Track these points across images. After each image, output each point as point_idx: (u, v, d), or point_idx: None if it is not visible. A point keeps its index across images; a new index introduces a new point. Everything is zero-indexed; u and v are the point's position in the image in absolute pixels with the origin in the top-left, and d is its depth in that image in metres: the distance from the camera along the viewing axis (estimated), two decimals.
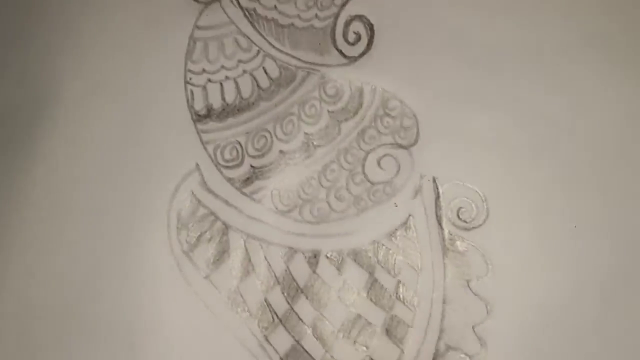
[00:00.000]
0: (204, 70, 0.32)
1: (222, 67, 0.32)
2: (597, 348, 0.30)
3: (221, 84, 0.32)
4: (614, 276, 0.31)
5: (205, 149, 0.32)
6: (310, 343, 0.30)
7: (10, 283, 0.30)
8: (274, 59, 0.32)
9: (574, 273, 0.31)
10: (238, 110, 0.32)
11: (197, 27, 0.32)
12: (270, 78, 0.32)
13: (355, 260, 0.31)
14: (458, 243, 0.32)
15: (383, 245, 0.32)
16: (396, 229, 0.32)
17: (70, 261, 0.31)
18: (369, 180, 0.32)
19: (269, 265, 0.31)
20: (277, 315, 0.31)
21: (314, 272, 0.31)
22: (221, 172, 0.32)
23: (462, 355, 0.30)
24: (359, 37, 0.31)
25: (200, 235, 0.31)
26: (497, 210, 0.32)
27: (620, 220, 0.31)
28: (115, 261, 0.31)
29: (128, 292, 0.30)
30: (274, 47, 0.32)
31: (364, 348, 0.30)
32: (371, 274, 0.31)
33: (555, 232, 0.32)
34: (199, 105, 0.32)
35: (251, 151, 0.32)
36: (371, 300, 0.31)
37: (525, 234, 0.32)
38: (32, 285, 0.30)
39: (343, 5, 0.32)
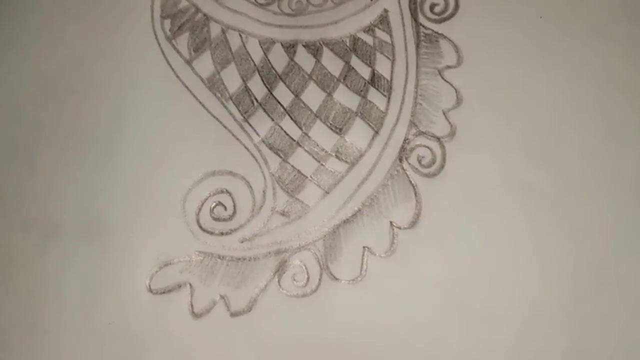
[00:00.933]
0: None
1: None
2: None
3: None
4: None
5: None
6: (288, 125, 0.32)
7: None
8: None
9: (541, 66, 0.33)
10: None
11: None
12: None
13: (332, 50, 0.33)
14: (431, 34, 0.33)
15: (359, 37, 0.33)
16: (372, 22, 0.33)
17: (62, 47, 0.32)
18: None
19: (248, 54, 0.33)
20: (256, 100, 0.32)
21: (292, 59, 0.33)
22: None
23: (431, 137, 0.32)
24: None
25: (182, 25, 0.33)
26: (468, 4, 0.33)
27: None
28: (102, 47, 0.32)
29: (114, 75, 0.32)
30: None
31: (339, 130, 0.32)
32: (347, 62, 0.33)
33: (523, 24, 0.33)
34: None
35: None
36: (347, 86, 0.32)
37: (496, 26, 0.33)
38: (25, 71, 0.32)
39: None
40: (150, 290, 0.30)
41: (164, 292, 0.30)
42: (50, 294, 0.30)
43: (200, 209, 0.31)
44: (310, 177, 0.31)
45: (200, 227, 0.31)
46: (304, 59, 0.33)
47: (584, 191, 0.31)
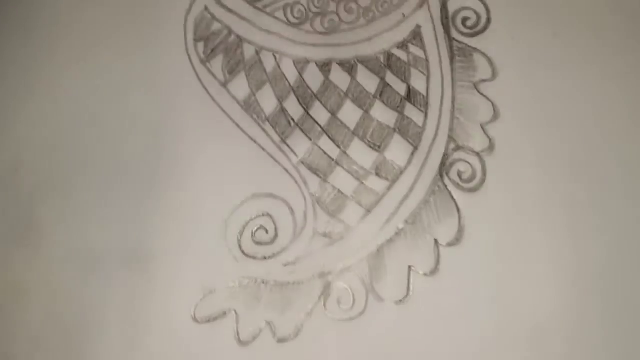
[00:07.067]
0: None
1: None
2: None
3: None
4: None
5: None
6: (326, 144, 0.32)
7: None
8: None
9: (577, 75, 0.33)
10: None
11: None
12: None
13: (367, 67, 0.33)
14: (464, 48, 0.33)
15: (393, 53, 0.33)
16: (405, 38, 0.33)
17: (97, 75, 0.32)
18: None
19: (283, 74, 0.32)
20: (293, 120, 0.32)
21: (327, 78, 0.32)
22: None
23: (470, 152, 0.31)
24: None
25: (215, 47, 0.32)
26: (499, 17, 0.33)
27: None
28: (137, 73, 0.32)
29: (150, 100, 0.32)
30: None
31: (378, 147, 0.32)
32: (382, 79, 0.32)
33: (556, 34, 0.33)
34: None
35: None
36: (383, 103, 0.32)
37: (528, 38, 0.33)
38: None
39: None
40: (195, 319, 0.29)
41: (209, 321, 0.29)
42: (93, 326, 0.29)
43: (242, 234, 0.30)
44: (351, 196, 0.31)
45: (243, 252, 0.30)
46: (339, 77, 0.32)
47: (627, 203, 0.31)
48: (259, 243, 0.30)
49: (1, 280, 0.30)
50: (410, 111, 0.32)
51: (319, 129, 0.32)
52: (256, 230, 0.30)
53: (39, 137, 0.31)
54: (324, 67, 0.32)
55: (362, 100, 0.32)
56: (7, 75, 0.32)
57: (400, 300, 0.30)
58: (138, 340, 0.29)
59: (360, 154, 0.31)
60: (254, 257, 0.30)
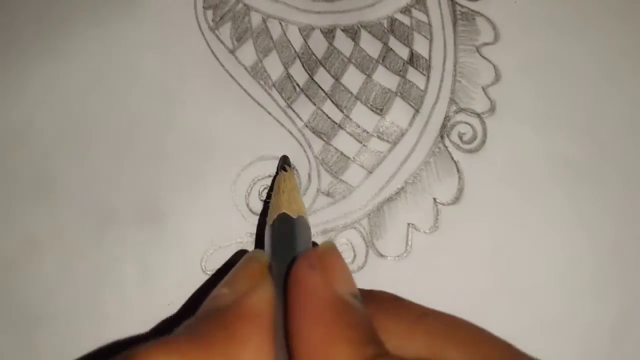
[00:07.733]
0: None
1: None
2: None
3: None
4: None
5: None
6: (330, 108, 0.33)
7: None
8: None
9: (578, 39, 0.33)
10: None
11: None
12: None
13: (370, 33, 0.33)
14: (467, 12, 0.33)
15: (397, 18, 0.34)
16: (408, 3, 0.34)
17: (109, 40, 0.34)
18: None
19: (289, 41, 0.34)
20: (298, 86, 0.33)
21: (331, 44, 0.33)
22: None
23: (471, 114, 0.32)
24: None
25: (224, 15, 0.34)
26: None
27: None
28: (148, 40, 0.33)
29: (161, 66, 0.33)
30: None
31: (380, 110, 0.33)
32: (385, 44, 0.33)
33: (563, 3, 0.33)
34: None
35: None
36: (386, 67, 0.33)
37: (530, 1, 0.33)
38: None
39: None
40: (205, 272, 0.31)
41: (218, 273, 0.31)
42: (109, 280, 0.31)
43: (249, 193, 0.32)
44: (354, 157, 0.32)
45: (250, 210, 0.32)
46: (342, 43, 0.33)
47: (626, 163, 0.32)
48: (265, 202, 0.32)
49: (16, 235, 0.32)
50: (413, 75, 0.33)
51: (323, 93, 0.33)
52: (263, 190, 0.32)
53: (51, 98, 0.33)
54: (328, 33, 0.33)
55: (365, 65, 0.33)
56: (21, 37, 0.34)
57: (399, 256, 0.31)
58: (152, 291, 0.31)
59: (363, 117, 0.32)
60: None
